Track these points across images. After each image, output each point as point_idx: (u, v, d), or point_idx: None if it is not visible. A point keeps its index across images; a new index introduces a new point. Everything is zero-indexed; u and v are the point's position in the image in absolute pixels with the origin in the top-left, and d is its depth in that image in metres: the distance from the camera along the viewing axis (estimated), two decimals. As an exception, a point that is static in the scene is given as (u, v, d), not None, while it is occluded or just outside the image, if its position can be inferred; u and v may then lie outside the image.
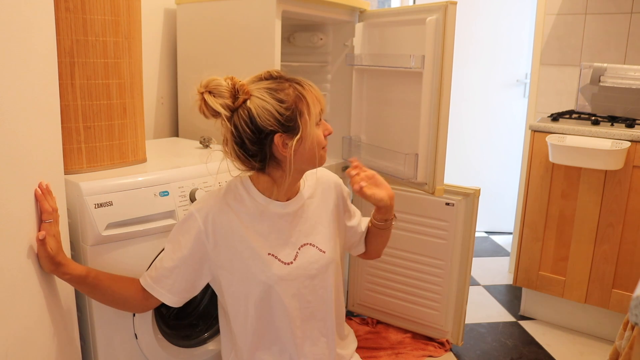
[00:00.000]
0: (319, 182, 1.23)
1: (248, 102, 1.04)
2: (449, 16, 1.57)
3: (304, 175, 1.20)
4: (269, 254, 1.12)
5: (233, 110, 1.05)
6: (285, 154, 1.06)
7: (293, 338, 1.15)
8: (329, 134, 1.13)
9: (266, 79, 1.08)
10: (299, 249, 1.15)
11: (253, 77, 1.09)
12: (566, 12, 2.41)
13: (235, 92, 1.05)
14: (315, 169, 1.23)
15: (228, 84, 1.05)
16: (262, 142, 1.05)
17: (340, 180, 1.28)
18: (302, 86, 1.07)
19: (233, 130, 1.05)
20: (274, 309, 1.14)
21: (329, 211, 1.22)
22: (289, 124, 1.04)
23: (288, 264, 1.13)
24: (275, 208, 1.14)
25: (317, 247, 1.16)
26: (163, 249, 1.16)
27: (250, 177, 1.16)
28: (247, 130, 1.04)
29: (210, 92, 1.04)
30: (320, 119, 1.11)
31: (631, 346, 1.02)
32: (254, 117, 1.03)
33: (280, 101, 1.04)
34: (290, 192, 1.16)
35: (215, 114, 1.05)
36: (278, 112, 1.03)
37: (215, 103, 1.03)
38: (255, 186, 1.15)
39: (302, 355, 1.16)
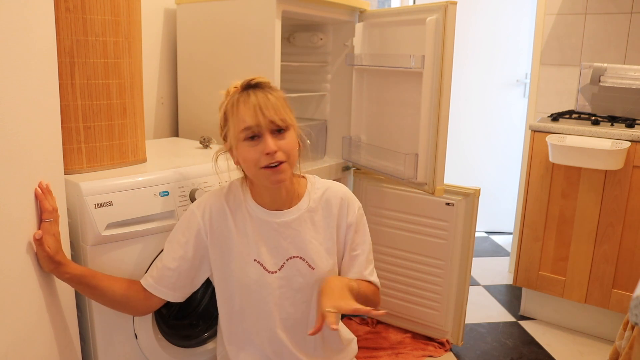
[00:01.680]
0: (324, 197, 1.18)
1: None
2: (449, 16, 1.56)
3: (310, 188, 1.18)
4: (255, 259, 1.12)
5: None
6: (235, 163, 1.13)
7: (271, 345, 1.15)
8: (268, 154, 1.03)
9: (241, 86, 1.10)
10: (287, 260, 1.13)
11: None
12: (566, 12, 2.41)
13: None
14: (329, 182, 1.22)
15: (229, 90, 1.10)
16: None
17: (351, 200, 1.20)
18: (242, 98, 1.05)
19: None
20: (254, 314, 1.14)
21: (330, 228, 1.17)
22: (224, 133, 1.12)
23: (272, 272, 1.13)
24: (264, 216, 1.14)
25: (306, 262, 1.14)
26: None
27: (249, 181, 1.16)
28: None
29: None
30: (254, 136, 1.04)
31: (631, 346, 1.02)
32: None
33: (223, 112, 1.10)
34: (280, 203, 1.14)
35: None
36: (220, 121, 1.11)
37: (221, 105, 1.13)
38: (250, 191, 1.15)
39: None
